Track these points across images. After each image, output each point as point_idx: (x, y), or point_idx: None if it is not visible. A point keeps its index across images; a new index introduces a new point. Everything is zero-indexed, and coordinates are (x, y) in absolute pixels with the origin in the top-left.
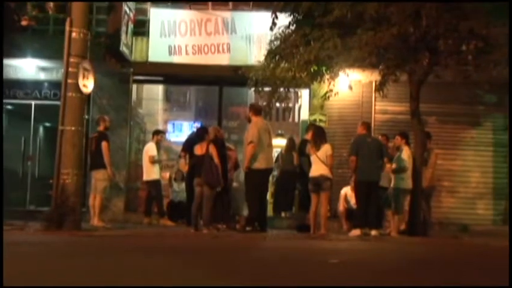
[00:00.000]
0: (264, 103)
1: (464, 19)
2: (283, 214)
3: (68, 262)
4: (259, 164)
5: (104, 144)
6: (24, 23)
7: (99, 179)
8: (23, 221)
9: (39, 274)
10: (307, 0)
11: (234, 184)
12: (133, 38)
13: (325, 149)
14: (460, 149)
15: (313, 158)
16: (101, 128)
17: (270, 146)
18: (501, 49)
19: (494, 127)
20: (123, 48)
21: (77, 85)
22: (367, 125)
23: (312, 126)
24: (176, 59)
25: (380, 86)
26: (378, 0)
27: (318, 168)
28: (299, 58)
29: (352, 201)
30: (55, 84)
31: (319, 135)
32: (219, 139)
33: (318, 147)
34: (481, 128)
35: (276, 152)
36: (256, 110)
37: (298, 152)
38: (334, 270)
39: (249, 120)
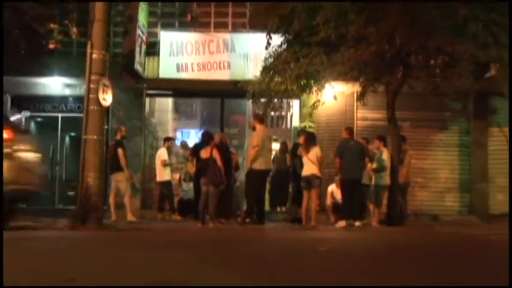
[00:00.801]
0: (261, 112)
1: (432, 38)
2: (278, 209)
3: (93, 255)
4: (260, 166)
5: (119, 151)
6: (51, 46)
7: (119, 180)
8: (52, 218)
9: (66, 265)
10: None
11: (237, 184)
12: (146, 58)
13: (315, 151)
14: (430, 149)
15: (304, 160)
16: (118, 137)
17: (270, 150)
18: (464, 63)
19: (459, 130)
20: (137, 67)
21: (97, 99)
22: (350, 130)
23: (303, 131)
24: (183, 75)
25: (361, 96)
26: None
27: (309, 168)
28: (290, 73)
29: (338, 196)
30: (78, 99)
31: (309, 139)
32: (224, 144)
33: (308, 150)
34: (448, 132)
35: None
36: (260, 119)
37: (291, 154)
38: (323, 257)
39: (254, 128)
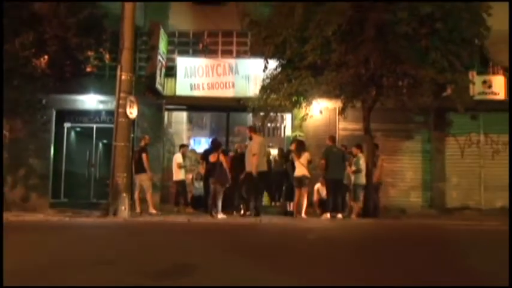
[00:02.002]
0: (259, 124)
1: (400, 64)
2: (272, 203)
3: (123, 240)
4: (258, 168)
5: (143, 155)
6: (89, 69)
7: (142, 179)
8: (88, 210)
9: (101, 248)
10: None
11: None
12: (165, 79)
13: (305, 156)
14: (398, 155)
15: (296, 163)
16: (142, 144)
17: (265, 155)
18: (426, 84)
19: (422, 139)
20: (158, 86)
21: (125, 113)
22: (333, 138)
23: (295, 140)
24: (196, 93)
25: (342, 111)
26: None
27: (300, 170)
28: (284, 91)
29: (323, 193)
30: (110, 112)
31: (300, 146)
32: (240, 153)
33: (300, 155)
34: (413, 140)
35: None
36: (254, 130)
37: (284, 158)
38: (311, 243)
39: (250, 138)
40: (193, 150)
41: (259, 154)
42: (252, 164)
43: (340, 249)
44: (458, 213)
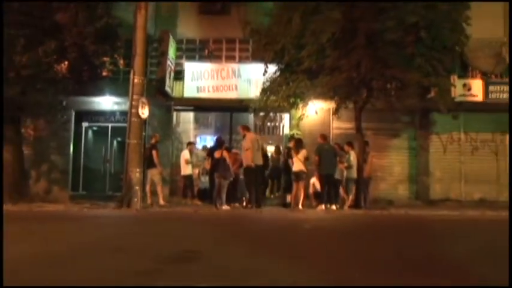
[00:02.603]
0: (260, 123)
1: (389, 68)
2: (271, 196)
3: (134, 228)
4: (253, 162)
5: (154, 152)
6: (104, 74)
7: (153, 174)
8: (104, 202)
9: (114, 236)
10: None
11: (241, 177)
12: (174, 82)
13: (303, 153)
14: (387, 151)
15: (294, 159)
16: (153, 141)
17: (259, 150)
18: (412, 87)
19: (408, 137)
20: (167, 89)
21: (137, 113)
22: (324, 136)
23: (293, 138)
24: (202, 95)
25: (335, 111)
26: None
27: (298, 166)
28: (282, 93)
29: (318, 186)
30: (123, 113)
31: (298, 144)
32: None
33: (298, 152)
34: (400, 138)
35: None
36: (246, 128)
37: (285, 155)
38: (308, 232)
39: (244, 136)
40: (205, 147)
41: (252, 148)
42: (247, 158)
43: (333, 237)
44: (441, 204)
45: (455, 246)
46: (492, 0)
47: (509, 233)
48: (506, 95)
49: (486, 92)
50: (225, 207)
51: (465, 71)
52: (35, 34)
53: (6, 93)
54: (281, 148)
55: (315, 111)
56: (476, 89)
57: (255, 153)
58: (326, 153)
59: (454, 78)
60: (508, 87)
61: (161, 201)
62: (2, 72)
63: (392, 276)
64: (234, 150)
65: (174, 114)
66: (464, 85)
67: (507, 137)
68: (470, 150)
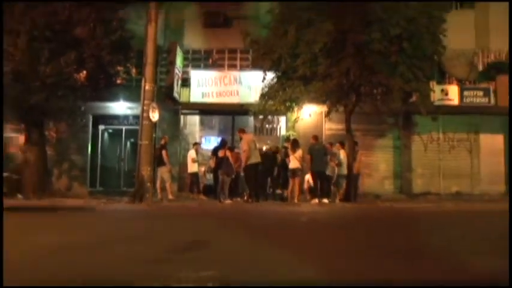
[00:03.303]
0: (259, 125)
1: (375, 75)
2: (270, 190)
3: (146, 221)
4: (251, 161)
5: (163, 152)
6: (118, 81)
7: (163, 172)
8: (119, 197)
9: (128, 228)
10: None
11: (242, 174)
12: (181, 88)
13: (299, 152)
14: (374, 150)
15: (291, 157)
16: (162, 142)
17: (256, 149)
18: (396, 92)
19: (393, 137)
20: (175, 94)
21: (148, 117)
22: (316, 137)
23: (289, 139)
24: (207, 100)
25: (327, 114)
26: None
27: (294, 163)
28: (279, 98)
29: (312, 182)
30: (136, 116)
31: (295, 144)
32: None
33: (294, 151)
34: (385, 138)
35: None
36: (242, 131)
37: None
38: (304, 224)
39: (241, 138)
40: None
41: (248, 149)
42: (243, 159)
43: (327, 227)
44: (422, 197)
45: (439, 236)
46: (492, 0)
47: (509, 232)
48: (479, 99)
49: (461, 96)
50: (228, 201)
51: (443, 77)
52: (57, 47)
53: (31, 99)
54: (279, 147)
55: (309, 114)
56: (453, 93)
57: (252, 152)
58: (317, 152)
59: (433, 84)
60: (481, 92)
61: (170, 196)
62: (2, 73)
63: (377, 262)
64: (236, 150)
65: (182, 117)
66: (442, 90)
67: (480, 136)
68: (448, 148)
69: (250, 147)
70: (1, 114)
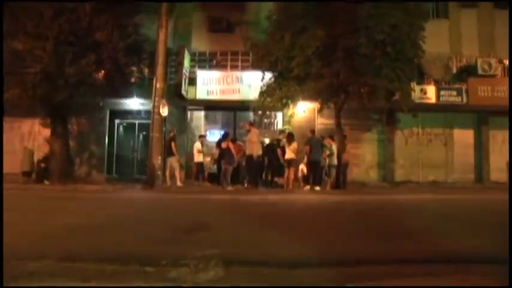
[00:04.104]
0: (258, 120)
1: (362, 76)
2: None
3: (157, 205)
4: (255, 152)
5: (172, 143)
6: (133, 80)
7: (172, 161)
8: (132, 183)
9: (141, 211)
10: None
11: (242, 163)
12: (188, 86)
13: (294, 144)
14: (361, 143)
15: (286, 149)
16: (171, 135)
17: (259, 142)
18: (380, 91)
19: (378, 131)
20: (183, 92)
21: (159, 112)
22: (313, 131)
23: (284, 132)
24: (211, 97)
25: (319, 110)
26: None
27: (289, 154)
28: (276, 96)
29: (305, 171)
30: (148, 112)
31: (290, 137)
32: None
33: (290, 143)
34: (371, 132)
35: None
36: (252, 124)
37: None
38: (298, 207)
39: (249, 130)
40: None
41: (257, 142)
42: (252, 149)
43: (320, 210)
44: (403, 185)
45: (419, 220)
46: (493, 0)
47: (509, 228)
48: (453, 98)
49: (438, 95)
50: (230, 187)
51: (422, 78)
52: (79, 50)
53: (56, 97)
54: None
55: (303, 110)
56: (431, 93)
57: (258, 144)
58: (315, 144)
59: (414, 85)
60: (455, 92)
61: (179, 183)
62: (3, 74)
63: (362, 241)
64: (237, 142)
65: (189, 112)
66: (421, 90)
67: (454, 131)
68: (426, 142)
69: (258, 140)
70: (1, 113)
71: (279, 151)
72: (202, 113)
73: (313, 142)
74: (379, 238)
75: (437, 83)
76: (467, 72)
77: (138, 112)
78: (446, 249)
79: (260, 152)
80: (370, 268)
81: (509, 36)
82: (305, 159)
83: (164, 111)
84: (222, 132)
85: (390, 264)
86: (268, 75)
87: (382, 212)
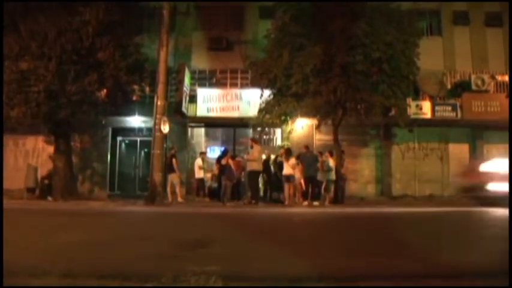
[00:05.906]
0: (257, 136)
1: (359, 92)
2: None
3: (160, 221)
4: (256, 168)
5: (173, 160)
6: (134, 98)
7: (173, 177)
8: (134, 199)
9: (143, 228)
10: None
11: (242, 180)
12: (189, 104)
13: (292, 160)
14: (358, 158)
15: (285, 165)
16: (172, 151)
17: (261, 159)
18: (377, 107)
19: (375, 146)
20: (184, 109)
21: (160, 129)
22: (307, 146)
23: (283, 148)
24: (211, 114)
25: (317, 126)
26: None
27: (287, 170)
28: (275, 112)
29: (304, 187)
30: (149, 129)
31: (288, 152)
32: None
33: (287, 159)
34: (368, 147)
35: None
36: (255, 140)
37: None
38: (297, 224)
39: (252, 146)
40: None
41: (258, 159)
42: (253, 165)
43: (318, 226)
44: (400, 199)
45: (418, 234)
46: (493, 0)
47: (509, 233)
48: (448, 113)
49: (433, 111)
50: (230, 203)
51: (417, 94)
52: (82, 69)
53: (59, 114)
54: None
55: (301, 127)
56: (426, 108)
57: (260, 161)
58: (308, 160)
59: (409, 100)
60: (450, 107)
61: (179, 199)
62: (2, 80)
63: (364, 256)
64: (237, 158)
65: (189, 129)
66: (417, 105)
67: (449, 146)
68: (422, 156)
69: (260, 157)
70: (1, 121)
71: (272, 167)
72: (202, 130)
73: (305, 158)
74: (379, 253)
75: (432, 98)
76: (462, 87)
77: (140, 129)
78: (445, 263)
79: (261, 169)
80: (369, 283)
81: (509, 37)
82: (298, 175)
83: (165, 128)
84: (222, 149)
85: (392, 279)
86: (267, 93)
87: (383, 226)
